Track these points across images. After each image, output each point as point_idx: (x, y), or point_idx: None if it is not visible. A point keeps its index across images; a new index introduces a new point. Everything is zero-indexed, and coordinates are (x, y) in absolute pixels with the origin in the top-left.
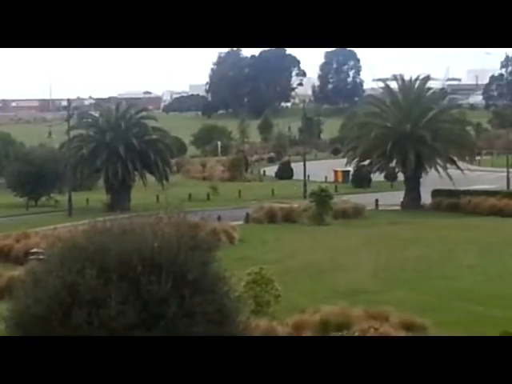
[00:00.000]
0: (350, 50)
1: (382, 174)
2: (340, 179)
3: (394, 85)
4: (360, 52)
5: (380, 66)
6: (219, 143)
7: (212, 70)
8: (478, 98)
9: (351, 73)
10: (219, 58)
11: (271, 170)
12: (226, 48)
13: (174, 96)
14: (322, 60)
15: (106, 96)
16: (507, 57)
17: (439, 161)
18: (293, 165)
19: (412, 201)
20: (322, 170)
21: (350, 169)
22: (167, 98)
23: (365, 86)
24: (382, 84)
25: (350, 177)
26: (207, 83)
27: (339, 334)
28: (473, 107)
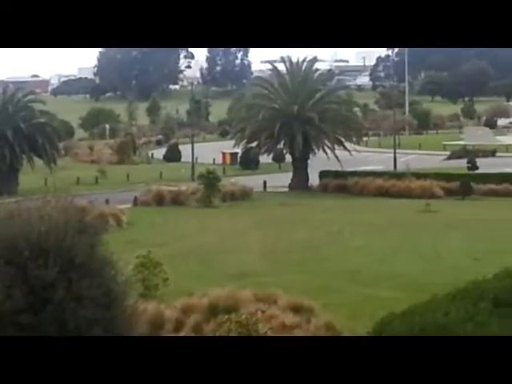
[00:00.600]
0: None
1: (270, 156)
2: (228, 161)
3: (281, 67)
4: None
5: (268, 48)
6: (107, 126)
7: (100, 52)
8: (365, 79)
9: (239, 55)
10: None
11: (159, 153)
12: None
13: (62, 79)
14: None
15: None
16: None
17: (327, 142)
18: (181, 147)
19: (300, 182)
20: (211, 152)
21: (238, 151)
22: (55, 82)
23: (253, 68)
24: (269, 66)
25: (238, 159)
26: (95, 66)
27: (226, 317)
28: (360, 88)
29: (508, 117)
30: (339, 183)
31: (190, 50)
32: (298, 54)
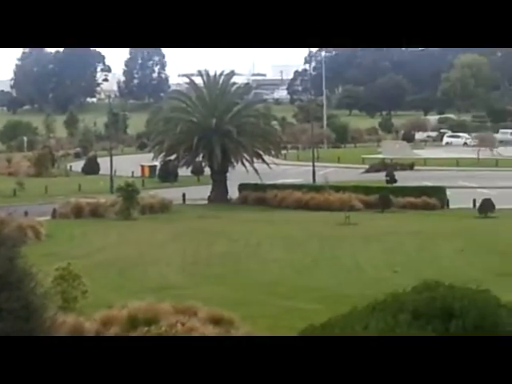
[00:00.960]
0: None
1: (189, 169)
2: (147, 174)
3: (199, 80)
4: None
5: (186, 62)
6: (25, 138)
7: (16, 65)
8: (283, 93)
9: (156, 68)
10: (23, 53)
11: (78, 166)
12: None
13: None
14: (127, 56)
15: None
16: (310, 52)
17: (245, 155)
18: (100, 160)
19: (219, 195)
20: (129, 164)
21: (157, 163)
22: None
23: (170, 82)
24: (187, 79)
25: (157, 171)
26: (12, 79)
27: (146, 329)
28: (278, 102)
29: (426, 130)
30: (258, 196)
31: (108, 63)
32: (216, 67)
